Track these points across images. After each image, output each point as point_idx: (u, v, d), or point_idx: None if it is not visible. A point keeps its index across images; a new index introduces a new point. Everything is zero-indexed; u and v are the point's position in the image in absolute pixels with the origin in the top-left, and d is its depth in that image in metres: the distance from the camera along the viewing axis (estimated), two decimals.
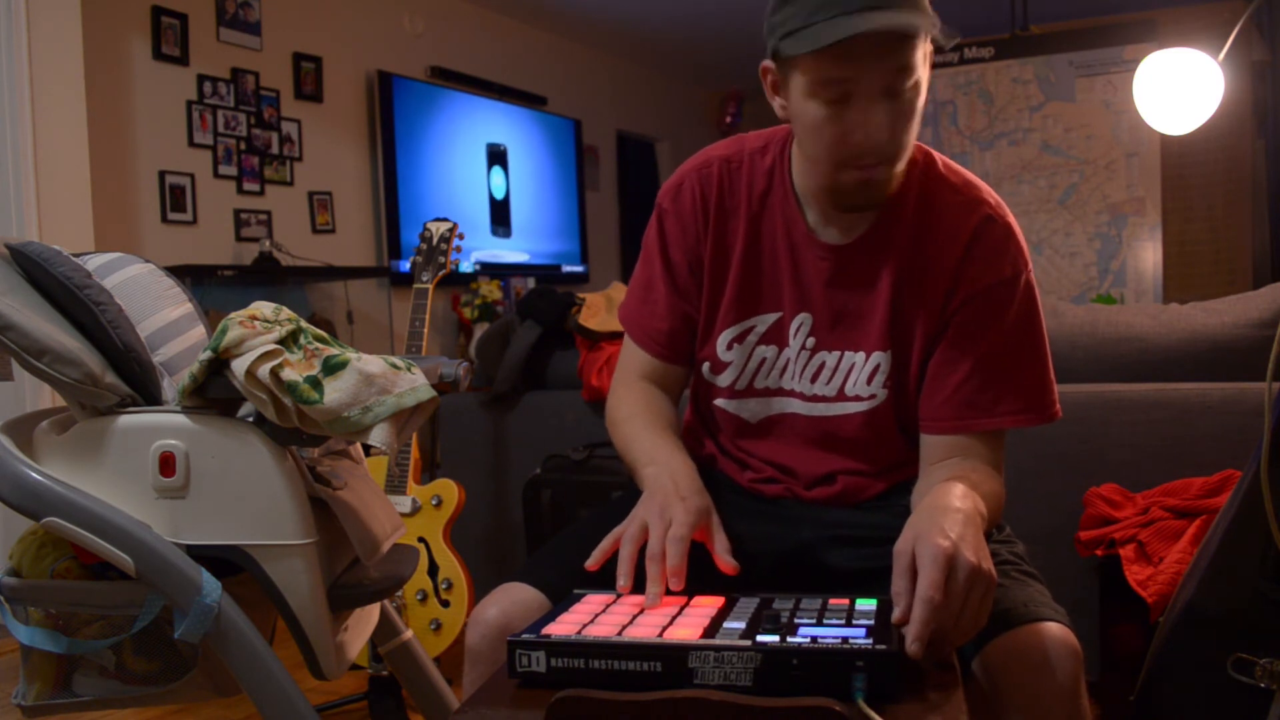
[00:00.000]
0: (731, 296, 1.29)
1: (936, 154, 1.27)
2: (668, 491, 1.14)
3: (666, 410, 1.33)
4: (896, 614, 0.95)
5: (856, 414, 1.26)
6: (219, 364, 1.27)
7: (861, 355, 1.25)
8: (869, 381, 1.25)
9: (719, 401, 1.33)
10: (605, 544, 1.11)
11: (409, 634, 1.70)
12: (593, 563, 1.11)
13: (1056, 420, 1.24)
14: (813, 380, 1.27)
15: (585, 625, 0.96)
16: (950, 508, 1.03)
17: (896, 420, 1.27)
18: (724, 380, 1.31)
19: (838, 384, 1.26)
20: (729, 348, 1.30)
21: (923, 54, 1.11)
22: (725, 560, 1.11)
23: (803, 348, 1.27)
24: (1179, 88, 2.94)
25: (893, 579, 0.97)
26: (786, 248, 1.26)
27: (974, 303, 1.21)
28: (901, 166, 1.17)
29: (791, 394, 1.29)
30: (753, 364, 1.29)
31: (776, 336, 1.28)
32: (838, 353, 1.26)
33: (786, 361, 1.28)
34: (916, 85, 1.11)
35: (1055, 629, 1.08)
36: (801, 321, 1.27)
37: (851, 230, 1.24)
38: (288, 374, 1.25)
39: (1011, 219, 1.25)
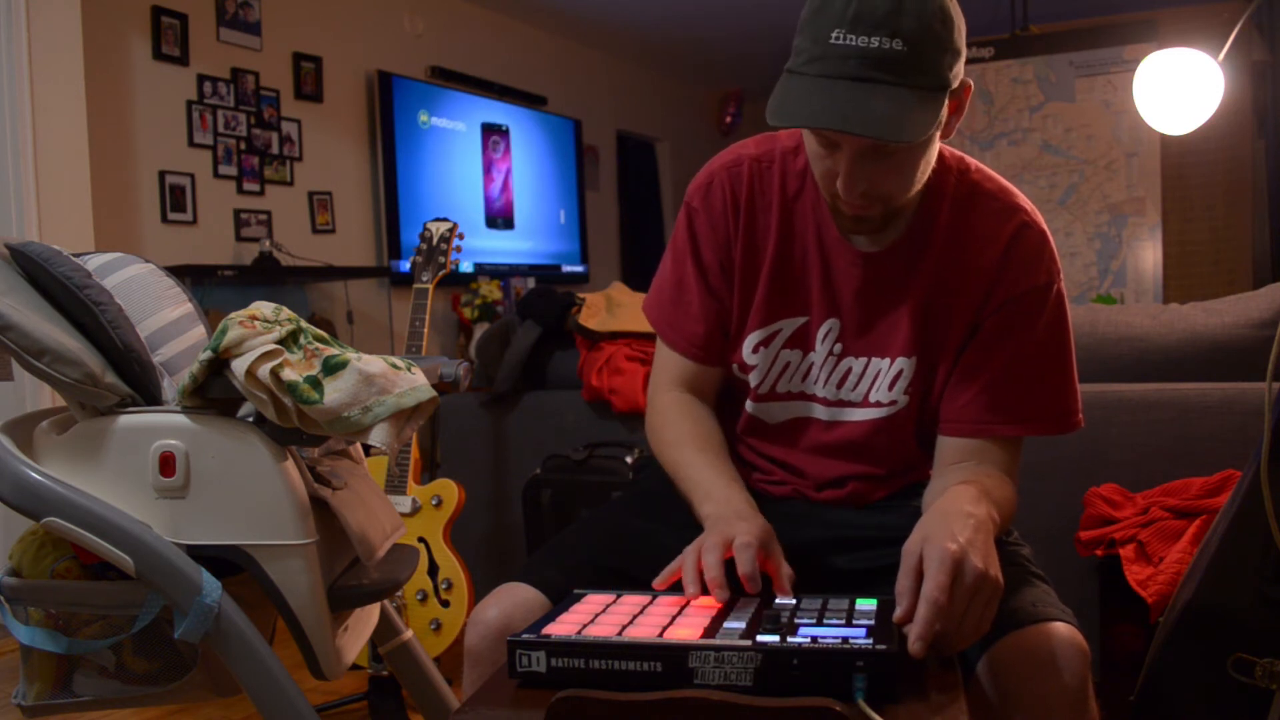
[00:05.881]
0: (761, 299, 1.27)
1: (970, 159, 1.25)
2: (729, 519, 1.12)
3: (714, 429, 1.30)
4: (898, 613, 0.95)
5: (876, 419, 1.26)
6: (219, 364, 1.27)
7: (887, 361, 1.24)
8: (890, 387, 1.24)
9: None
10: (672, 566, 1.10)
11: (409, 634, 1.70)
12: (660, 582, 1.09)
13: (1078, 430, 1.23)
14: (839, 386, 1.26)
15: (585, 625, 0.96)
16: (962, 512, 1.03)
17: (915, 426, 1.26)
18: (750, 381, 1.30)
19: (864, 390, 1.26)
20: (754, 351, 1.28)
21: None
22: (786, 590, 1.09)
23: (830, 353, 1.26)
24: (1179, 88, 2.94)
25: (898, 577, 0.97)
26: (817, 251, 1.24)
27: (1006, 308, 1.20)
28: (906, 199, 1.16)
29: (814, 399, 1.28)
30: (776, 368, 1.28)
31: (802, 341, 1.27)
32: (864, 359, 1.25)
33: (811, 366, 1.27)
34: (911, 146, 1.08)
35: (1063, 629, 1.07)
36: (830, 327, 1.25)
37: (884, 237, 1.22)
38: (288, 374, 1.25)
39: (1045, 226, 1.24)
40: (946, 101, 1.09)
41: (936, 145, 1.16)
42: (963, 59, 1.10)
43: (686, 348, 1.31)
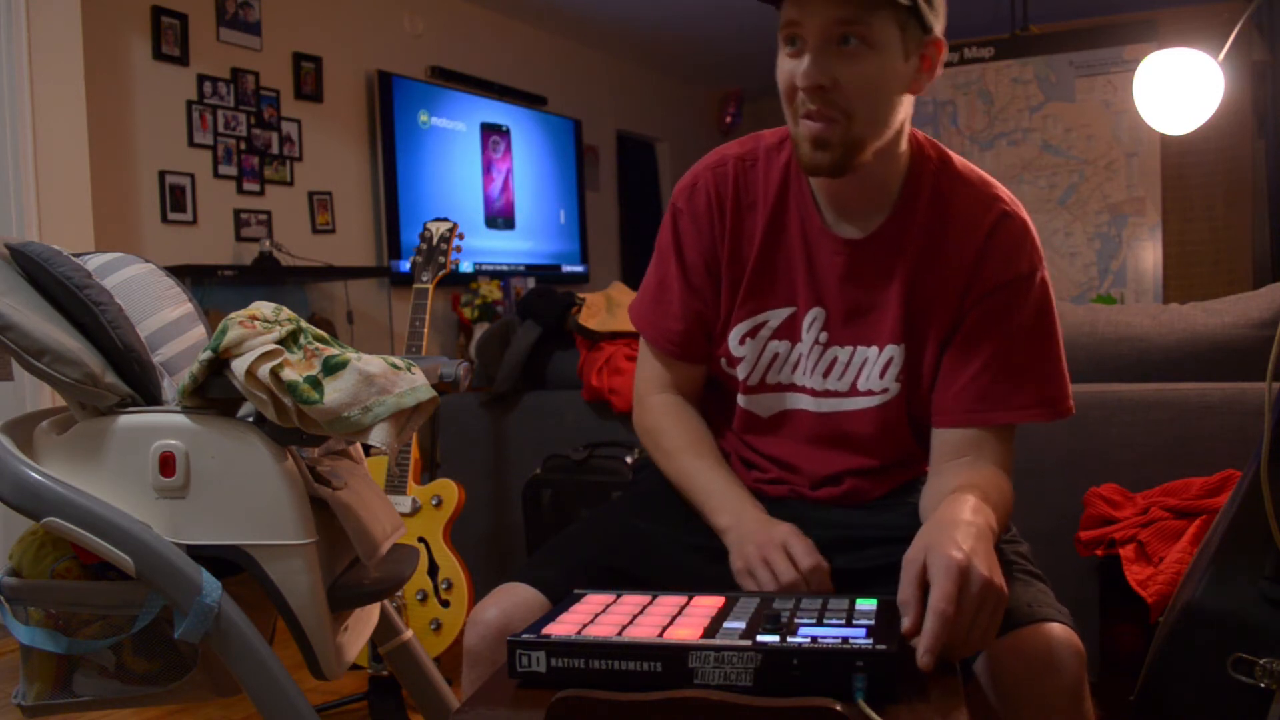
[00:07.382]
0: (746, 291, 1.28)
1: (952, 152, 1.27)
2: (763, 523, 1.21)
3: (705, 431, 1.34)
4: (905, 624, 0.95)
5: (868, 409, 1.26)
6: (219, 364, 1.27)
7: (874, 349, 1.25)
8: (881, 375, 1.25)
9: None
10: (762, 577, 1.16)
11: (409, 634, 1.70)
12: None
13: (1070, 416, 1.24)
14: (825, 375, 1.27)
15: (585, 625, 0.96)
16: (963, 520, 1.03)
17: (908, 415, 1.27)
18: (738, 375, 1.31)
19: (850, 379, 1.26)
20: (741, 342, 1.29)
21: (888, 23, 1.11)
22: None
23: (815, 342, 1.27)
24: (1179, 88, 2.94)
25: (901, 587, 0.97)
26: (801, 242, 1.26)
27: (990, 298, 1.22)
28: (864, 133, 1.15)
29: (802, 390, 1.29)
30: (765, 359, 1.29)
31: (789, 331, 1.28)
32: (850, 348, 1.26)
33: (799, 357, 1.28)
34: (868, 45, 1.11)
35: (1059, 630, 1.07)
36: (815, 316, 1.27)
37: (867, 225, 1.24)
38: (288, 374, 1.25)
39: (1027, 216, 1.25)
40: (918, 49, 1.14)
41: (905, 93, 1.17)
42: (938, 12, 1.14)
43: (666, 345, 1.34)
